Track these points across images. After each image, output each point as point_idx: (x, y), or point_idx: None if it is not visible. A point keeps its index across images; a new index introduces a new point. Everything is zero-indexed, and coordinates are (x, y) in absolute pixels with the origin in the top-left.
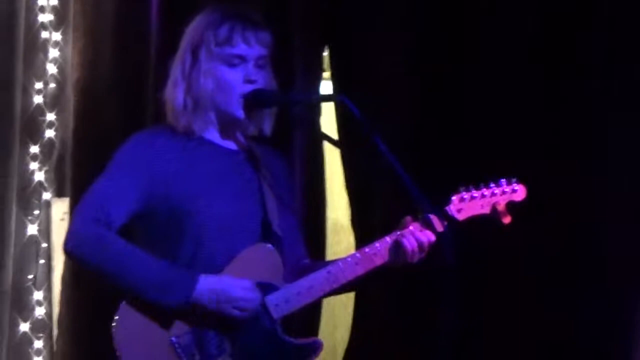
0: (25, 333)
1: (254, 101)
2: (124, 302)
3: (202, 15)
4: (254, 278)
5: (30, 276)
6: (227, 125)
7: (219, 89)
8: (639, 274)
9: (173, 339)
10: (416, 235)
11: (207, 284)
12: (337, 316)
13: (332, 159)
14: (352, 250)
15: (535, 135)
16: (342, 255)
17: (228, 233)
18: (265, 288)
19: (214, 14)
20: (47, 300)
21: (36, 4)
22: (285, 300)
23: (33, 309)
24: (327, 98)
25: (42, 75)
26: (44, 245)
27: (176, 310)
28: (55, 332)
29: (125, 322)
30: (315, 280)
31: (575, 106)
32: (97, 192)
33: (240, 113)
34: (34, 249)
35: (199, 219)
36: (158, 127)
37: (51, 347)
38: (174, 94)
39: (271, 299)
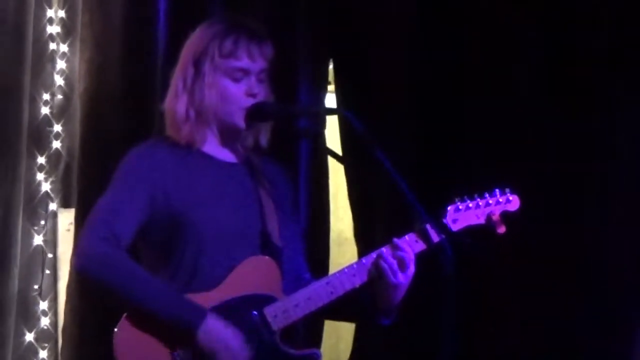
0: (30, 343)
1: (257, 114)
2: (125, 315)
3: (205, 27)
4: (253, 290)
5: (36, 286)
6: (227, 137)
7: (222, 102)
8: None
9: (174, 353)
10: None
11: (211, 328)
12: (341, 328)
13: (339, 172)
14: None
15: (533, 143)
16: None
17: (228, 242)
18: (264, 300)
19: (217, 26)
20: (53, 310)
21: (44, 15)
22: (283, 311)
23: (38, 319)
24: (329, 111)
25: (49, 86)
26: (50, 255)
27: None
28: (60, 342)
29: (126, 334)
30: (314, 291)
31: (576, 116)
32: (103, 209)
33: (243, 125)
34: (40, 259)
35: (199, 228)
36: (157, 140)
37: (56, 357)
38: (176, 104)
39: (270, 311)
